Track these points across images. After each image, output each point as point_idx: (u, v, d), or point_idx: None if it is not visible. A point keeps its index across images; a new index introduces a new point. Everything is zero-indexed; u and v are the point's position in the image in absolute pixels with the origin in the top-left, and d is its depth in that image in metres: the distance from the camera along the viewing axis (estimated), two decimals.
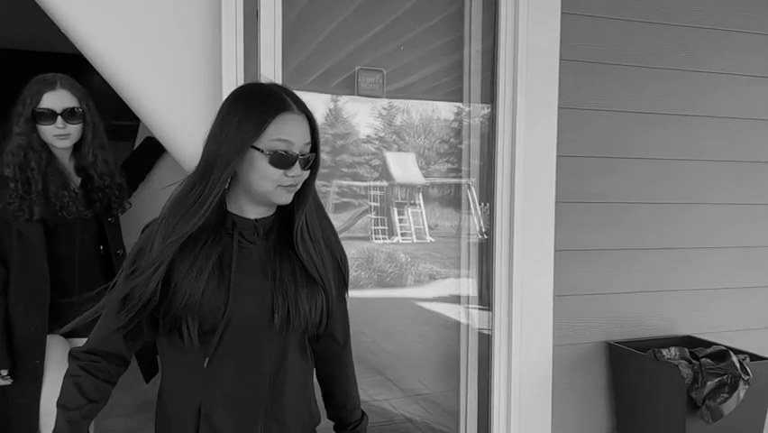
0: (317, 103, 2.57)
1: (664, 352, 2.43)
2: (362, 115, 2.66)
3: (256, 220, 1.40)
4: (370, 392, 2.82)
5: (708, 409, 2.20)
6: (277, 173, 1.31)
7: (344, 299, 1.53)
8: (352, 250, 2.73)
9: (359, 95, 2.51)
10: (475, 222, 2.75)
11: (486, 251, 2.67)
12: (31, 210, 2.04)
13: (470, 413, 2.70)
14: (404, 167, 2.95)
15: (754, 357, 2.42)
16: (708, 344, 2.59)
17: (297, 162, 1.33)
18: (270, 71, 2.08)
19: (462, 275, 2.78)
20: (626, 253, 2.73)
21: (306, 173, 1.36)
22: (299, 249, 1.39)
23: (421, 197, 3.08)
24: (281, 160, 1.31)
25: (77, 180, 2.20)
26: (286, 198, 1.36)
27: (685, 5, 2.74)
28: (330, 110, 2.62)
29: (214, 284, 1.32)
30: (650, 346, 2.54)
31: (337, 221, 2.56)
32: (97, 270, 2.25)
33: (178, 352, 1.36)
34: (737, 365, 2.25)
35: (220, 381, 1.36)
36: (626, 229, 2.72)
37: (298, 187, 1.37)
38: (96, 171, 2.19)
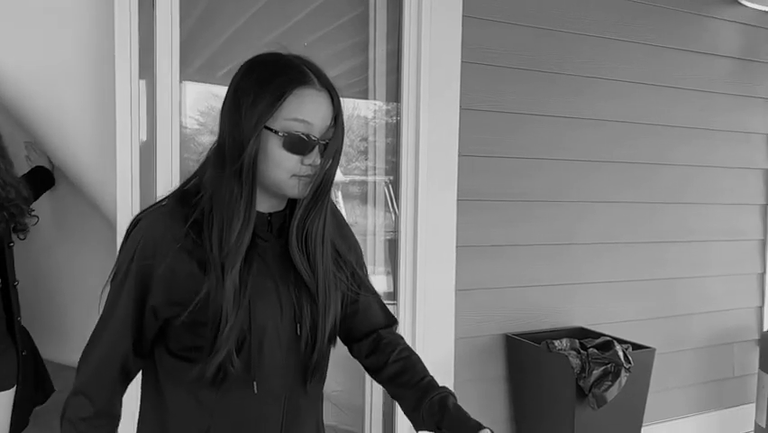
0: None
1: (556, 343, 2.56)
2: None
3: (269, 215, 1.21)
4: None
5: (594, 397, 2.35)
6: (292, 160, 1.12)
7: (361, 286, 1.34)
8: None
9: None
10: (393, 219, 2.80)
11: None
12: None
13: (375, 410, 2.75)
14: None
15: (636, 346, 2.59)
16: (598, 335, 2.75)
17: (317, 148, 1.13)
18: (167, 63, 2.03)
19: (378, 272, 2.82)
20: (525, 249, 2.85)
21: (327, 162, 1.15)
22: (292, 249, 1.19)
23: (340, 194, 3.09)
24: (298, 144, 1.11)
25: None
26: (301, 192, 1.16)
27: (579, 15, 2.89)
28: None
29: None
30: (545, 338, 2.66)
31: None
32: None
33: (187, 370, 1.16)
34: (620, 355, 2.41)
35: (233, 403, 1.18)
36: (524, 226, 2.84)
37: (317, 178, 1.15)
38: None
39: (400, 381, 1.32)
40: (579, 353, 2.46)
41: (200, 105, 2.48)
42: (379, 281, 2.83)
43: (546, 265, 2.91)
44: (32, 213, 2.01)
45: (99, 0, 2.00)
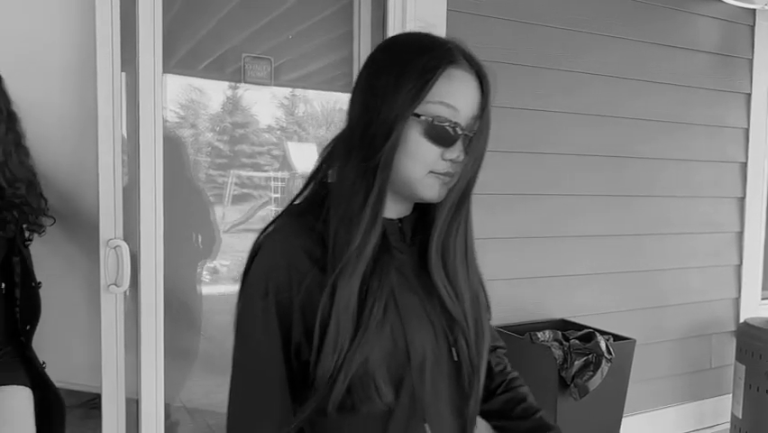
0: (214, 89, 2.51)
1: (539, 335, 2.58)
2: (263, 104, 2.62)
3: (399, 220, 1.03)
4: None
5: (576, 387, 2.38)
6: (432, 152, 0.94)
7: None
8: (250, 243, 2.68)
9: (245, 82, 2.48)
10: None
11: None
12: None
13: None
14: (305, 158, 2.96)
15: (617, 337, 2.63)
16: (580, 326, 2.78)
17: (460, 141, 0.96)
18: (150, 55, 2.00)
19: None
20: (508, 242, 2.87)
21: (471, 161, 0.98)
22: (432, 269, 1.00)
23: None
24: (441, 133, 0.94)
25: None
26: (439, 193, 0.98)
27: (560, 9, 2.91)
28: (228, 97, 2.57)
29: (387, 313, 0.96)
30: (528, 330, 2.69)
31: (237, 213, 2.52)
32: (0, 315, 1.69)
33: (344, 423, 0.96)
34: (602, 345, 2.44)
35: None
36: (507, 219, 2.86)
37: (461, 180, 0.98)
38: (5, 177, 1.61)
39: (506, 414, 1.18)
40: (561, 344, 2.49)
41: (180, 98, 2.46)
42: None
43: (529, 258, 2.93)
44: (48, 212, 1.78)
45: None
